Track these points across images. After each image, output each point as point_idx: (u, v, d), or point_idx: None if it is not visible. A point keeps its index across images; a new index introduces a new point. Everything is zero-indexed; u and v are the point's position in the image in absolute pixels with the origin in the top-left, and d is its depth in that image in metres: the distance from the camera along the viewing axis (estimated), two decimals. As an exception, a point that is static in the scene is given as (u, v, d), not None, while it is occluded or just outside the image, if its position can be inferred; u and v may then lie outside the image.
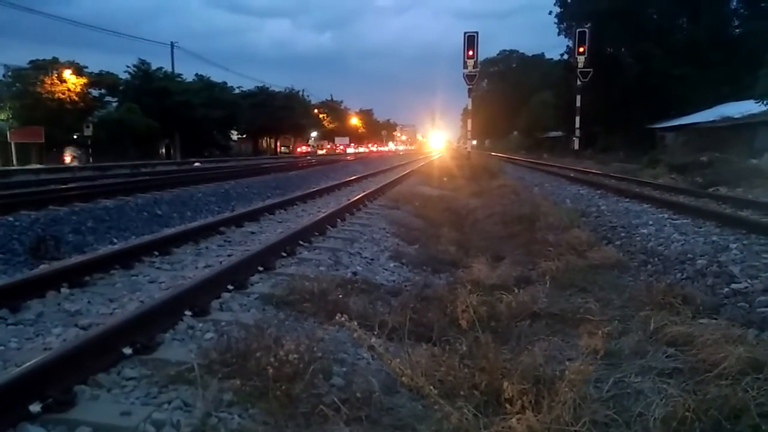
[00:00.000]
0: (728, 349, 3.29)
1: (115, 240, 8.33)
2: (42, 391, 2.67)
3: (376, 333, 3.74)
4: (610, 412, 2.70)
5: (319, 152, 71.72)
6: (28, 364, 2.81)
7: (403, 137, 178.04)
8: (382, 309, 4.58)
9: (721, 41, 37.28)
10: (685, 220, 8.86)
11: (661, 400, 2.74)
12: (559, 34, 48.43)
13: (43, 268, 5.95)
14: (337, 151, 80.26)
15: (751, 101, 24.54)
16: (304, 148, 74.33)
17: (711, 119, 28.48)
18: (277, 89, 67.14)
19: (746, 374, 2.95)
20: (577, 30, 34.94)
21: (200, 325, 3.96)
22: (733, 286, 5.24)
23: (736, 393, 2.71)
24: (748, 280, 5.26)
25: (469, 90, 29.59)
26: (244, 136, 65.97)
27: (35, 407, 2.60)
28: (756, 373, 2.93)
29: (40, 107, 37.07)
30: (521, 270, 6.14)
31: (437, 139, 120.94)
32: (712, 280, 5.56)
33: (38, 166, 26.65)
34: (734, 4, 41.61)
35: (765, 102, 23.11)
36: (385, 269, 6.51)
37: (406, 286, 5.64)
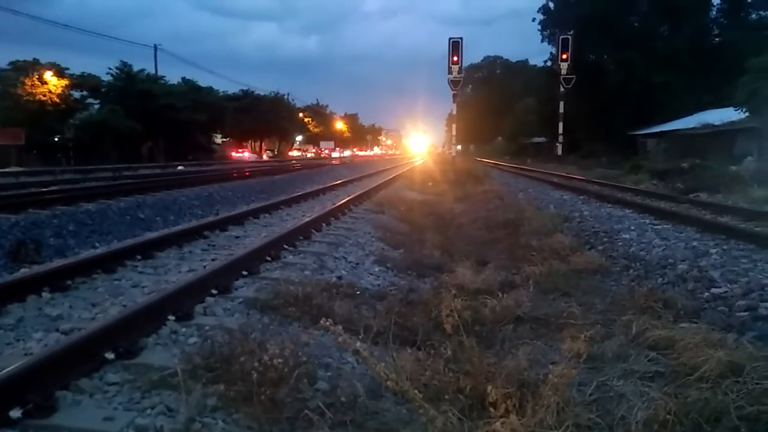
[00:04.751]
0: (708, 352, 3.33)
1: (97, 244, 8.25)
2: (22, 396, 2.64)
3: (361, 337, 3.73)
4: (593, 415, 2.72)
5: (308, 155, 77.75)
6: (7, 369, 2.77)
7: (389, 142, 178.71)
8: (367, 313, 4.58)
9: (702, 50, 37.96)
10: (666, 226, 8.97)
11: (643, 403, 2.77)
12: (542, 41, 49.01)
13: (24, 272, 5.87)
14: (322, 155, 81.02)
15: (731, 109, 24.95)
16: (295, 152, 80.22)
17: (692, 126, 28.92)
18: (262, 93, 67.25)
19: (726, 377, 2.99)
20: (560, 37, 35.41)
21: (184, 329, 3.93)
22: (713, 290, 5.32)
23: (716, 396, 2.75)
24: (728, 285, 5.34)
25: (454, 95, 29.75)
26: (228, 139, 65.68)
27: (15, 413, 2.57)
28: (735, 377, 2.97)
29: (20, 109, 36.55)
30: (505, 274, 6.17)
31: (420, 143, 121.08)
32: (693, 285, 5.64)
33: (18, 168, 26.27)
34: (714, 13, 42.43)
35: (744, 110, 23.50)
36: (370, 273, 6.51)
37: (390, 290, 5.65)
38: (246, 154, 59.22)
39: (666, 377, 3.29)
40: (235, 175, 20.86)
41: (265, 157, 65.25)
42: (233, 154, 57.27)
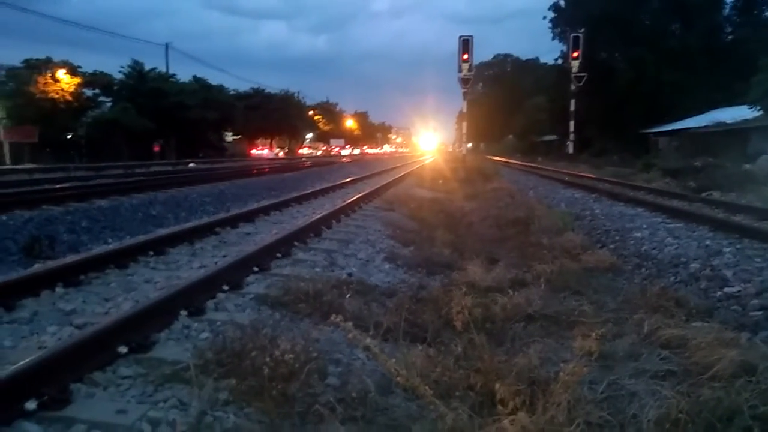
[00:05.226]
0: (721, 351, 3.31)
1: (110, 240, 8.30)
2: (38, 388, 2.67)
3: (371, 334, 3.74)
4: (604, 413, 2.71)
5: (315, 153, 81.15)
6: (23, 362, 2.81)
7: (399, 139, 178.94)
8: (377, 310, 4.58)
9: (714, 48, 37.60)
10: (679, 224, 8.91)
11: (655, 401, 2.75)
12: (553, 39, 48.68)
13: (38, 267, 5.92)
14: (332, 152, 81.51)
15: (744, 107, 24.72)
16: (305, 150, 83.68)
17: (704, 124, 28.68)
18: (272, 91, 67.63)
19: (739, 377, 2.98)
20: (571, 35, 35.17)
21: (195, 324, 3.95)
22: (726, 289, 5.29)
23: (728, 395, 2.73)
24: (741, 284, 5.31)
25: (464, 93, 29.63)
26: (239, 137, 66.00)
27: (31, 405, 2.60)
28: (748, 376, 2.95)
29: (33, 107, 36.85)
30: (516, 272, 6.14)
31: (430, 141, 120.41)
32: (706, 284, 5.60)
33: (32, 165, 26.54)
34: (727, 11, 42.00)
35: (758, 108, 23.28)
36: (380, 270, 6.51)
37: (401, 287, 5.65)
38: (265, 152, 66.06)
39: (678, 376, 3.27)
40: (253, 171, 21.03)
41: (281, 154, 68.97)
42: (253, 151, 63.25)
